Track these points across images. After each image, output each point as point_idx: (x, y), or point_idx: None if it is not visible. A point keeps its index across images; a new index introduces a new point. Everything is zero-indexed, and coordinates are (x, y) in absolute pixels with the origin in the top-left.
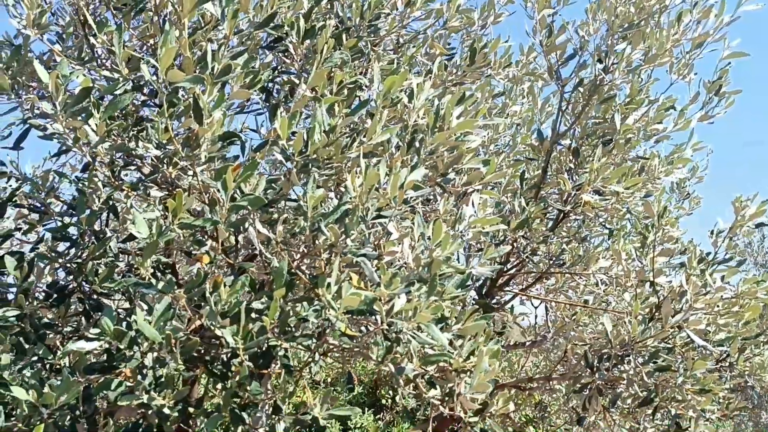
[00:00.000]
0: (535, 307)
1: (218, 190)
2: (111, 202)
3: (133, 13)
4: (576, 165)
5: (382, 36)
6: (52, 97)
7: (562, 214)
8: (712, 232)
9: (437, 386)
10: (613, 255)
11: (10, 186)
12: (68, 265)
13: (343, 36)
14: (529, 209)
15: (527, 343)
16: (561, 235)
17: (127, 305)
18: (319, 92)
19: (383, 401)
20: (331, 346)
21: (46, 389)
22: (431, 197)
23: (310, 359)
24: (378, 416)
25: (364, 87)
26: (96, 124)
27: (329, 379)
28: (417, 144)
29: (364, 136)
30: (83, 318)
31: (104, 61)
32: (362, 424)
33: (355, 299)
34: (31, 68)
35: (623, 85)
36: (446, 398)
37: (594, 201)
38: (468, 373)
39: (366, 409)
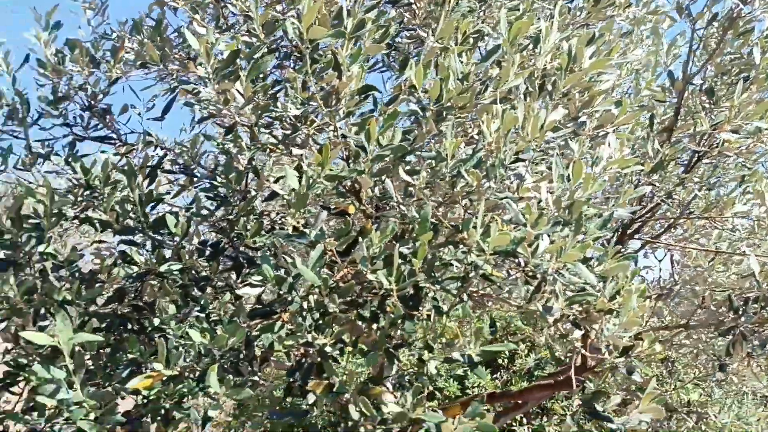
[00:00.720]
0: (659, 260)
1: (361, 142)
2: (254, 163)
3: None
4: (711, 104)
5: None
6: (202, 63)
7: (696, 156)
8: None
9: (581, 327)
10: (755, 196)
11: (157, 154)
12: (219, 223)
13: None
14: (663, 151)
15: (652, 297)
16: (693, 180)
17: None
18: (444, 43)
19: (499, 361)
20: (473, 290)
21: (218, 331)
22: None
23: (457, 301)
24: (495, 376)
25: (486, 35)
26: (243, 87)
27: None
28: (549, 87)
29: (497, 81)
30: (234, 272)
31: (238, 28)
32: (480, 383)
33: (504, 238)
34: (170, 40)
35: (763, 15)
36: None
37: (734, 139)
38: (613, 313)
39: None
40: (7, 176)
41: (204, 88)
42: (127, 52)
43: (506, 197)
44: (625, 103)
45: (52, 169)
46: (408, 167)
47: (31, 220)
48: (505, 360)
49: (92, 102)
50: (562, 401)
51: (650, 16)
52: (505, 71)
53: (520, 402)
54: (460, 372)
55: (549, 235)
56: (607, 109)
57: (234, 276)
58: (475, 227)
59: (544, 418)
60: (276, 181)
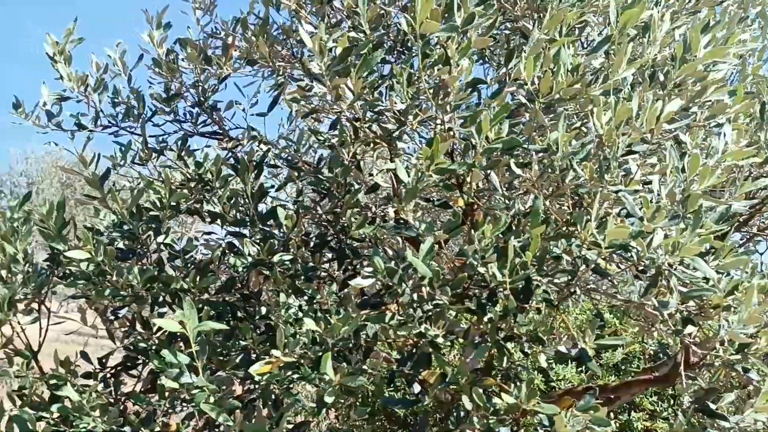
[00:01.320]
0: (761, 253)
1: (469, 135)
2: (357, 157)
3: None
4: None
5: None
6: (315, 60)
7: None
8: None
9: (694, 323)
10: None
11: (261, 149)
12: (324, 215)
13: None
14: None
15: None
16: None
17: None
18: (550, 35)
19: None
20: (583, 284)
21: (332, 321)
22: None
23: (567, 294)
24: (579, 368)
25: (591, 25)
26: (353, 83)
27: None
28: (661, 77)
29: (607, 74)
30: (336, 263)
31: (343, 25)
32: (565, 375)
33: (621, 232)
34: (276, 37)
35: None
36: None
37: None
38: (730, 309)
39: (569, 361)
40: (125, 170)
41: (317, 84)
42: (236, 48)
43: (620, 190)
44: (741, 92)
45: (166, 164)
46: (515, 160)
47: (150, 212)
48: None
49: (202, 99)
50: (650, 396)
51: None
52: (617, 62)
53: (613, 397)
54: (542, 364)
55: (664, 229)
56: (720, 99)
57: (336, 266)
58: (589, 220)
59: (632, 413)
60: (378, 174)
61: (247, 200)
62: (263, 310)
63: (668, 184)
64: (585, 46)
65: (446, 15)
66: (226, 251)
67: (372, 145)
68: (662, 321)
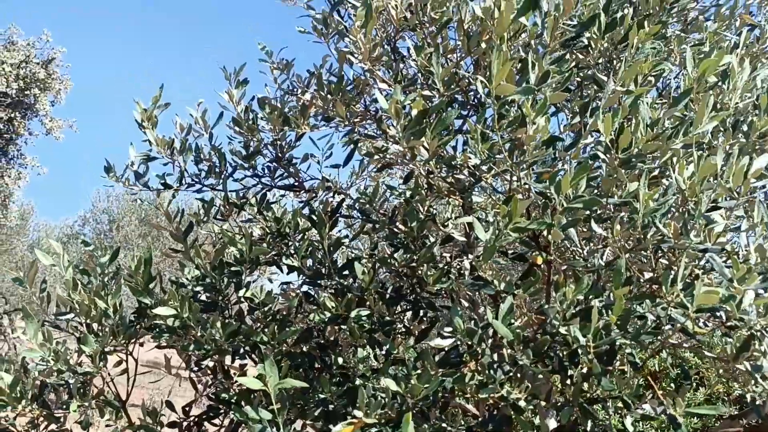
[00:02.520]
0: None
1: (549, 196)
2: (433, 211)
3: (438, 28)
4: None
5: (682, 15)
6: (392, 122)
7: None
8: None
9: None
10: None
11: (336, 200)
12: (401, 269)
13: (645, 23)
14: None
15: None
16: None
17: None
18: (626, 86)
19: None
20: (669, 344)
21: (413, 381)
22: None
23: (652, 354)
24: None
25: (666, 73)
26: (428, 142)
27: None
28: (744, 127)
29: (687, 128)
30: (412, 316)
31: (416, 81)
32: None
33: (711, 297)
34: (350, 93)
35: None
36: None
37: None
38: None
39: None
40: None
41: (393, 145)
42: (315, 105)
43: (706, 249)
44: None
45: (247, 218)
46: (594, 216)
47: (232, 268)
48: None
49: (280, 155)
50: None
51: None
52: (699, 115)
53: None
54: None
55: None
56: None
57: (410, 317)
58: (675, 282)
59: None
60: (454, 227)
61: (323, 252)
62: (340, 360)
63: (757, 239)
64: (660, 91)
65: (520, 74)
66: (303, 301)
67: (446, 197)
68: (755, 383)
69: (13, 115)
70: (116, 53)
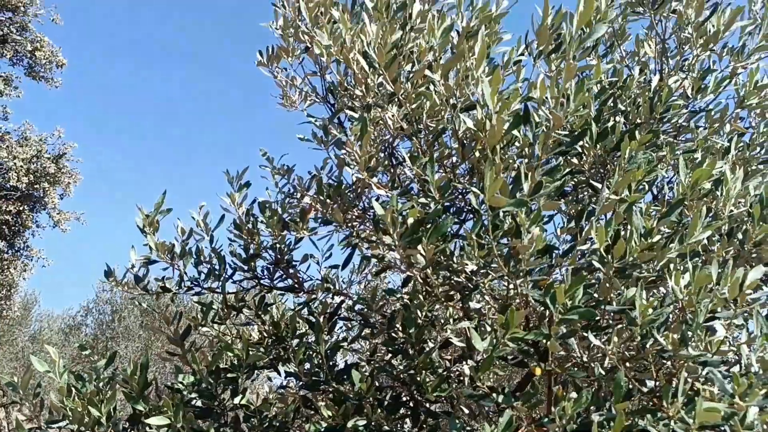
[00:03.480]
0: None
1: (545, 306)
2: (431, 315)
3: (433, 137)
4: None
5: (672, 123)
6: (387, 231)
7: None
8: None
9: None
10: None
11: (335, 301)
12: (399, 375)
13: (636, 132)
14: None
15: None
16: None
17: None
18: (620, 195)
19: None
20: None
21: None
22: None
23: None
24: None
25: (660, 180)
26: (424, 249)
27: None
28: (739, 236)
29: (682, 237)
30: (412, 424)
31: (411, 188)
32: None
33: (712, 415)
34: (348, 198)
35: None
36: None
37: None
38: None
39: None
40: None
41: (389, 252)
42: (314, 210)
43: (706, 362)
44: None
45: (245, 321)
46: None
47: (228, 374)
48: None
49: (279, 257)
50: None
51: None
52: (693, 224)
53: None
54: None
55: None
56: None
57: (410, 425)
58: (675, 396)
59: None
60: (452, 332)
61: (320, 357)
62: None
63: (758, 350)
64: (655, 195)
65: (513, 183)
66: (301, 406)
67: (444, 302)
68: None
69: (21, 208)
70: (131, 149)
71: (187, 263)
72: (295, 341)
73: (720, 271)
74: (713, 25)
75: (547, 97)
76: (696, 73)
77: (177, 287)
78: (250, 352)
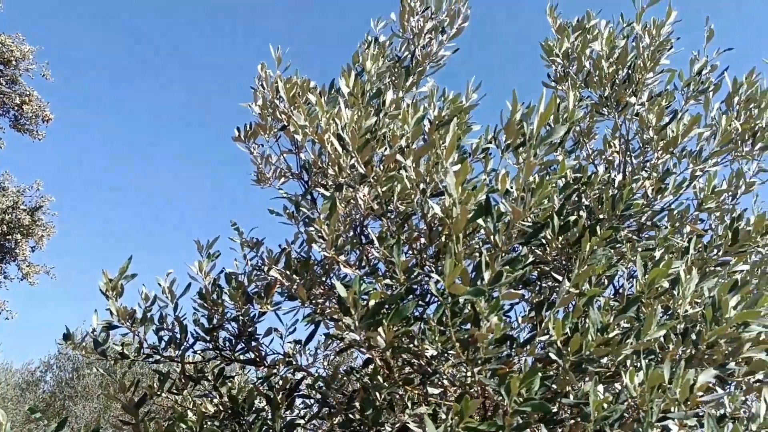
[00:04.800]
0: None
1: (500, 395)
2: (390, 398)
3: (402, 219)
4: None
5: (628, 219)
6: (350, 311)
7: None
8: None
9: None
10: None
11: (296, 377)
12: None
13: (597, 228)
14: None
15: None
16: None
17: None
18: (580, 287)
19: None
20: None
21: None
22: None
23: None
24: None
25: (620, 272)
26: (384, 332)
27: None
28: (693, 336)
29: (638, 333)
30: None
31: (378, 268)
32: None
33: None
34: (315, 274)
35: None
36: None
37: None
38: None
39: None
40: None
41: (349, 333)
42: (279, 284)
43: None
44: None
45: (202, 393)
46: (551, 417)
47: None
48: None
49: (242, 329)
50: None
51: None
52: (648, 323)
53: None
54: None
55: None
56: (758, 356)
57: None
58: None
59: None
60: (409, 417)
61: None
62: None
63: None
64: (616, 291)
65: (474, 273)
66: None
67: (403, 385)
68: None
69: None
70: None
71: (147, 330)
72: (252, 417)
73: (672, 371)
74: (673, 131)
75: (509, 189)
76: (656, 174)
77: (135, 354)
78: (205, 426)
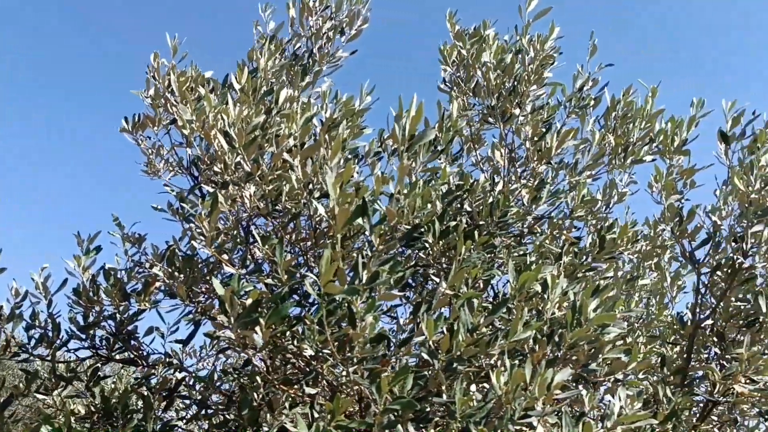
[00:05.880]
0: None
1: (372, 393)
2: (268, 398)
3: (288, 219)
4: (722, 350)
5: (508, 227)
6: (226, 310)
7: (712, 403)
8: None
9: None
10: None
11: (175, 377)
12: None
13: (475, 233)
14: (676, 399)
15: None
16: (712, 422)
17: None
18: (456, 290)
19: None
20: None
21: None
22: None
23: None
24: None
25: (496, 276)
26: (262, 331)
27: None
28: (556, 338)
29: (506, 334)
30: None
31: (263, 267)
32: None
33: None
34: (200, 272)
35: (764, 268)
36: None
37: (748, 391)
38: None
39: None
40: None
41: (224, 332)
42: (158, 281)
43: None
44: (635, 350)
45: (74, 393)
46: (421, 415)
47: None
48: None
49: (119, 327)
50: None
51: (657, 250)
52: (515, 324)
53: None
54: None
55: None
56: (617, 357)
57: None
58: None
59: None
60: (287, 417)
61: None
62: None
63: None
64: (495, 295)
65: (353, 273)
66: None
67: (279, 385)
68: None
69: None
70: None
71: (16, 326)
72: (125, 419)
73: (535, 370)
74: (547, 142)
75: (383, 192)
76: (532, 184)
77: (1, 352)
78: (73, 428)
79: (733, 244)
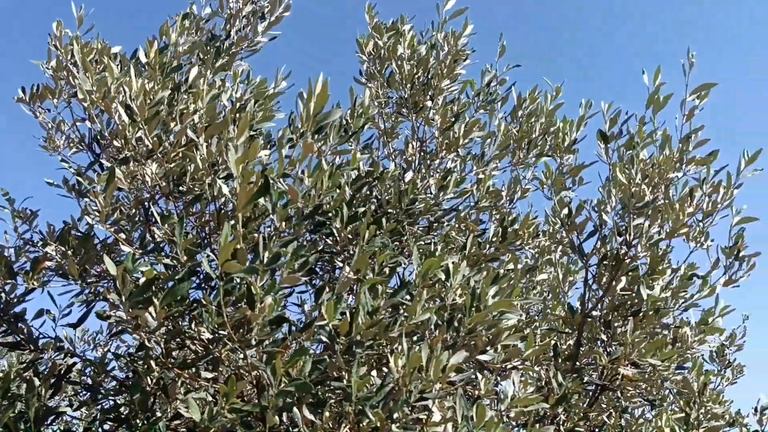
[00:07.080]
0: None
1: (267, 375)
2: (162, 382)
3: (191, 200)
4: (609, 337)
5: (417, 217)
6: (118, 288)
7: (600, 388)
8: (755, 410)
9: None
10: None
11: (66, 362)
12: None
13: (383, 220)
14: (566, 384)
15: None
16: (601, 408)
17: None
18: (361, 273)
19: None
20: None
21: None
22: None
23: None
24: None
25: (402, 264)
26: (156, 311)
27: None
28: (456, 323)
29: (405, 316)
30: None
31: (163, 248)
32: None
33: None
34: (96, 253)
35: (645, 258)
36: None
37: (632, 374)
38: None
39: None
40: None
41: (116, 312)
42: (49, 260)
43: None
44: (531, 338)
45: None
46: (317, 399)
47: None
48: None
49: (5, 308)
50: None
51: (555, 245)
52: (413, 306)
53: None
54: None
55: None
56: (514, 344)
57: None
58: None
59: None
60: (182, 402)
61: (29, 425)
62: None
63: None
64: (402, 281)
65: (253, 254)
66: None
67: (173, 369)
68: None
69: None
70: None
71: None
72: (5, 404)
73: (430, 353)
74: (455, 132)
75: (287, 173)
76: (439, 173)
77: None
78: None
79: (617, 237)
